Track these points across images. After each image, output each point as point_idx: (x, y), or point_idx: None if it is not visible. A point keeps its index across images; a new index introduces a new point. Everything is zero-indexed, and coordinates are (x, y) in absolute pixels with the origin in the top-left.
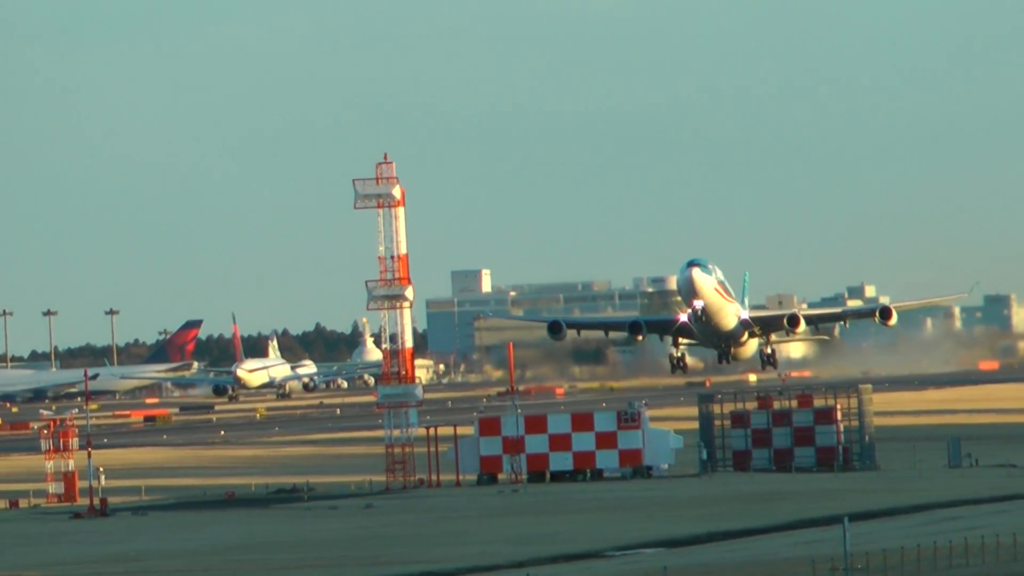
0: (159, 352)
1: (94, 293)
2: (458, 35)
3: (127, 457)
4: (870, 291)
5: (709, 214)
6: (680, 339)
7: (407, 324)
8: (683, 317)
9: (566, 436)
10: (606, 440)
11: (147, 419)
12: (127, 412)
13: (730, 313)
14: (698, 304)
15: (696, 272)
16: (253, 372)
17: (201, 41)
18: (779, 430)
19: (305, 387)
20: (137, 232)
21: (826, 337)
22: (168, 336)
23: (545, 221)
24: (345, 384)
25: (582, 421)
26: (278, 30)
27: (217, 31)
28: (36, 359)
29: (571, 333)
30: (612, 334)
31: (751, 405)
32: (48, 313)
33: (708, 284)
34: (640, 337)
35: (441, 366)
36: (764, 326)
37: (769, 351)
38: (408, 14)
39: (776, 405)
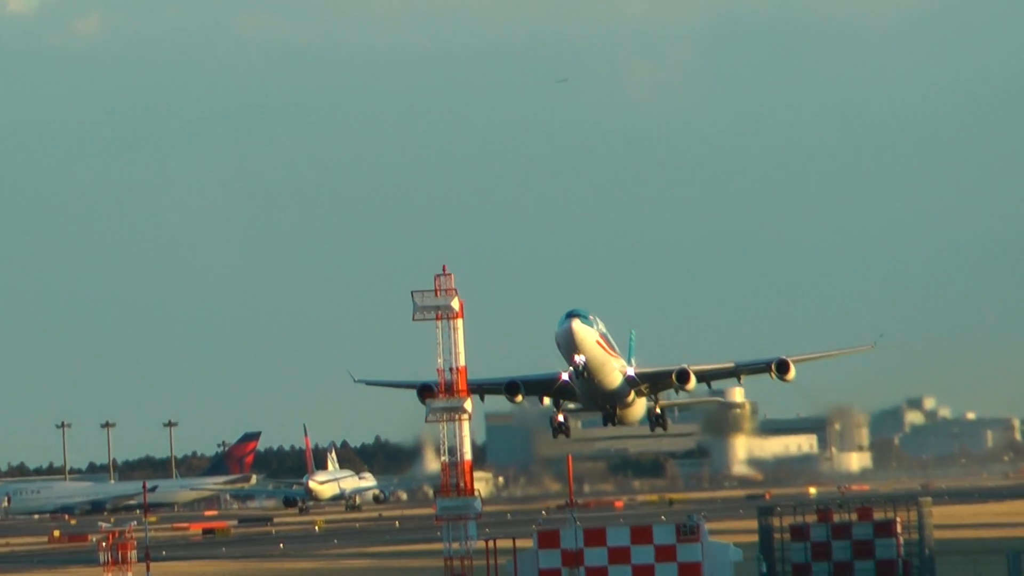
0: (218, 464)
1: (152, 405)
2: (521, 150)
3: (186, 570)
4: (929, 403)
5: (756, 318)
6: (562, 400)
7: (466, 436)
8: (565, 376)
9: (625, 549)
10: (665, 553)
11: (206, 531)
12: (186, 524)
13: (614, 369)
14: (579, 359)
15: (576, 324)
16: (324, 484)
17: (260, 154)
18: (839, 543)
19: (376, 499)
20: (195, 344)
21: (720, 399)
22: (227, 448)
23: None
24: (404, 496)
25: (641, 534)
26: (334, 144)
27: (274, 143)
28: (94, 471)
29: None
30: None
31: (811, 518)
32: (106, 425)
33: (589, 336)
34: (519, 398)
35: (500, 478)
36: (652, 383)
37: (659, 411)
38: (476, 134)
39: (836, 518)
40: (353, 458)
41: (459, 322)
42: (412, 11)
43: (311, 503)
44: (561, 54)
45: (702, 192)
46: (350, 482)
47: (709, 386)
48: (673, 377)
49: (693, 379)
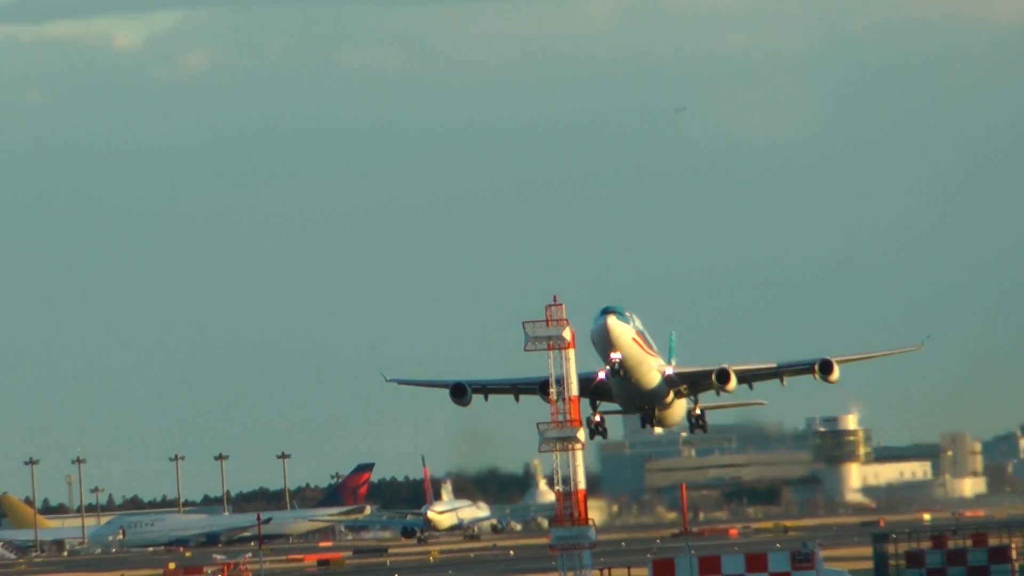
0: (332, 495)
1: (265, 437)
2: (634, 179)
3: None
4: None
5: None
6: (599, 401)
7: (579, 465)
8: (602, 375)
9: None
10: None
11: (320, 563)
12: (300, 556)
13: (651, 368)
14: (615, 357)
15: (612, 320)
16: (443, 514)
17: (363, 183)
18: (954, 570)
19: (494, 529)
20: (306, 376)
21: (762, 402)
22: (341, 479)
23: None
24: (519, 526)
25: (756, 562)
26: (439, 173)
27: (377, 173)
28: (208, 504)
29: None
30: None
31: (925, 544)
32: (220, 457)
33: (626, 334)
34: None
35: (614, 507)
36: (692, 384)
37: (699, 412)
38: (582, 162)
39: (951, 544)
40: (467, 487)
41: (571, 352)
42: (521, 41)
43: (429, 533)
44: (669, 83)
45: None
46: (468, 512)
47: (751, 387)
48: (713, 377)
49: (734, 379)
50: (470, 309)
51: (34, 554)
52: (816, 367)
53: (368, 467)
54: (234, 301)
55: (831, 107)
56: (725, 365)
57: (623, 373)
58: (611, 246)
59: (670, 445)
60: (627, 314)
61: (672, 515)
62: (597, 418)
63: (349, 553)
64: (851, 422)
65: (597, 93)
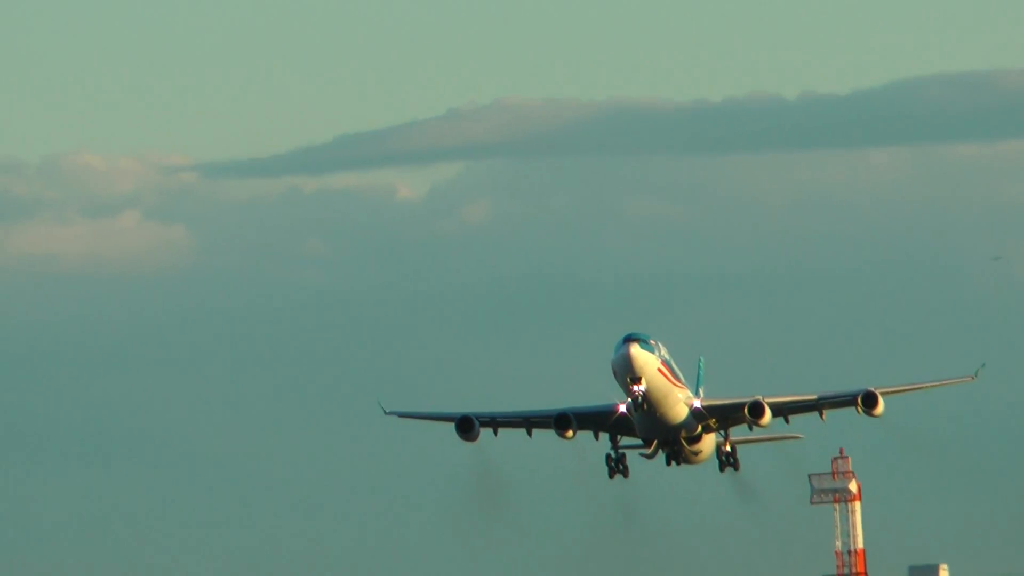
0: None
1: None
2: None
3: None
4: None
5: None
6: (619, 435)
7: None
8: (623, 407)
9: None
10: None
11: None
12: None
13: (678, 400)
14: (638, 389)
15: (635, 348)
16: None
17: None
18: None
19: None
20: None
21: (799, 435)
22: None
23: (1004, 511)
24: None
25: None
26: (724, 322)
27: (662, 319)
28: None
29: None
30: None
31: None
32: None
33: (650, 363)
34: (570, 434)
35: None
36: (722, 417)
37: (728, 449)
38: None
39: None
40: None
41: (857, 504)
42: (801, 190)
43: None
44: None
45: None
46: None
47: (787, 421)
48: (746, 410)
49: (768, 413)
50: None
51: None
52: (859, 400)
53: None
54: None
55: None
56: (759, 397)
57: (647, 407)
58: None
59: None
60: (652, 342)
61: None
62: (616, 454)
63: None
64: None
65: (886, 239)
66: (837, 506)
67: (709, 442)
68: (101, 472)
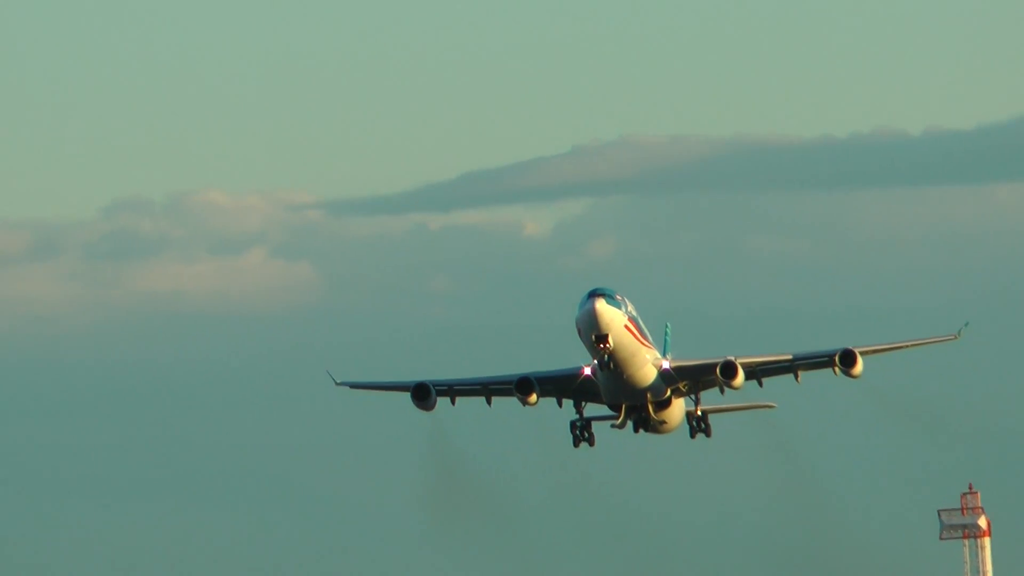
0: None
1: None
2: None
3: None
4: None
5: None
6: (584, 401)
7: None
8: (588, 370)
9: None
10: None
11: None
12: None
13: (646, 361)
14: (604, 346)
15: (601, 304)
16: None
17: None
18: None
19: None
20: None
21: (772, 404)
22: None
23: None
24: None
25: None
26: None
27: None
28: None
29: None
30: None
31: None
32: None
33: (617, 319)
34: (533, 398)
35: None
36: (692, 379)
37: (699, 414)
38: None
39: None
40: None
41: (986, 540)
42: (928, 224)
43: None
44: None
45: None
46: None
47: (760, 384)
48: (717, 371)
49: (741, 374)
50: (879, 494)
51: None
52: (837, 359)
53: None
54: None
55: None
56: (731, 357)
57: (613, 367)
58: None
59: None
60: (618, 297)
61: None
62: (581, 421)
63: None
64: None
65: (1014, 275)
66: (966, 542)
67: (678, 410)
68: (237, 511)
